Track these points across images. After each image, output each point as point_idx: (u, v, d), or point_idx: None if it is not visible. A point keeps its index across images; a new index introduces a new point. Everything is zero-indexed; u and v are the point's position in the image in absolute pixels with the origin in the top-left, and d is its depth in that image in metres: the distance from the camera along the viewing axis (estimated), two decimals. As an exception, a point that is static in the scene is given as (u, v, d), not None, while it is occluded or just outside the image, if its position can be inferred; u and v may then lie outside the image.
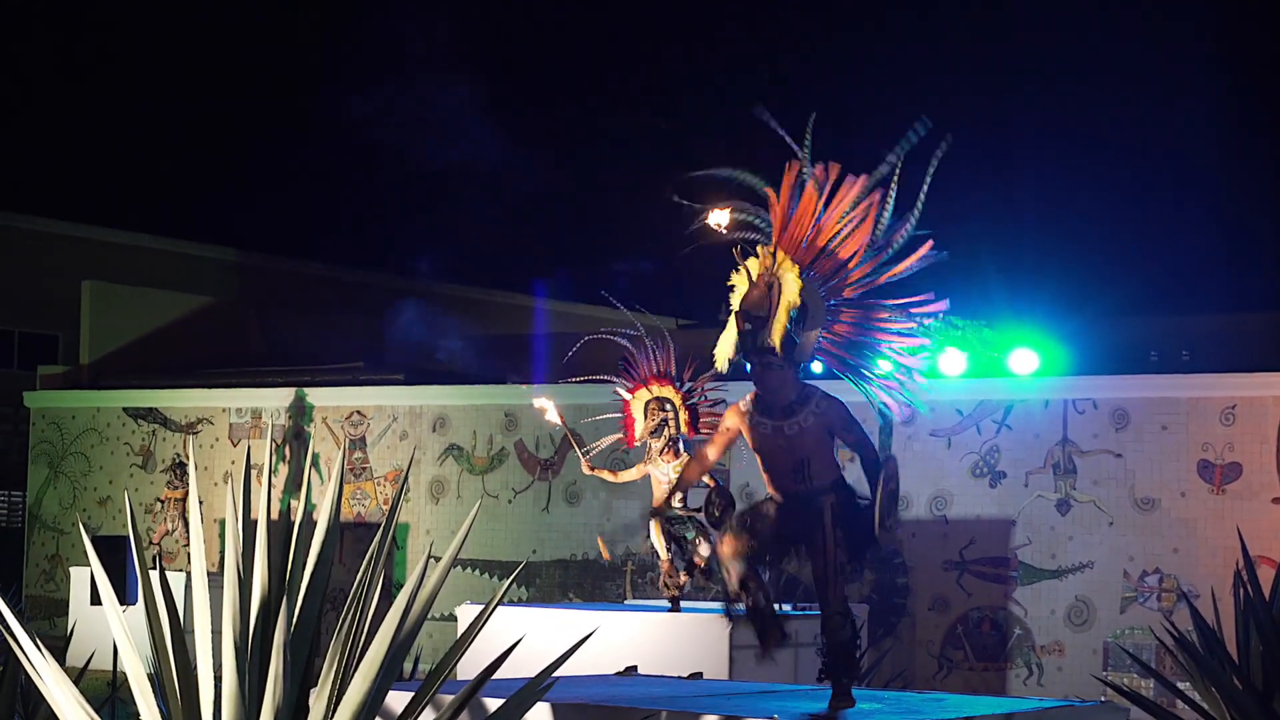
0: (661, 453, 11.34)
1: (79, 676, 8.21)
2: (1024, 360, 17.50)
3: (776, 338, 7.00)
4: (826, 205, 7.16)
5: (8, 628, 6.05)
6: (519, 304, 35.09)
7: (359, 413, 21.09)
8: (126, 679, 5.88)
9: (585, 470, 12.23)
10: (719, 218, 7.31)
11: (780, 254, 7.08)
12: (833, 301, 7.19)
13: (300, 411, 21.44)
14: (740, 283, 7.18)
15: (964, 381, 17.63)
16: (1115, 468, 16.84)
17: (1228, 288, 27.19)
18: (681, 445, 11.43)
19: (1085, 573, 16.89)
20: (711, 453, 7.74)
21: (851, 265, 7.18)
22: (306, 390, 21.57)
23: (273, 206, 37.68)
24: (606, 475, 12.31)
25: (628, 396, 11.62)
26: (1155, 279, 29.02)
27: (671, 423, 11.39)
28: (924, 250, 7.28)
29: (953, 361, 17.78)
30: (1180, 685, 12.19)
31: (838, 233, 7.16)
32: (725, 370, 7.37)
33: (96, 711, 5.95)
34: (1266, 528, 16.02)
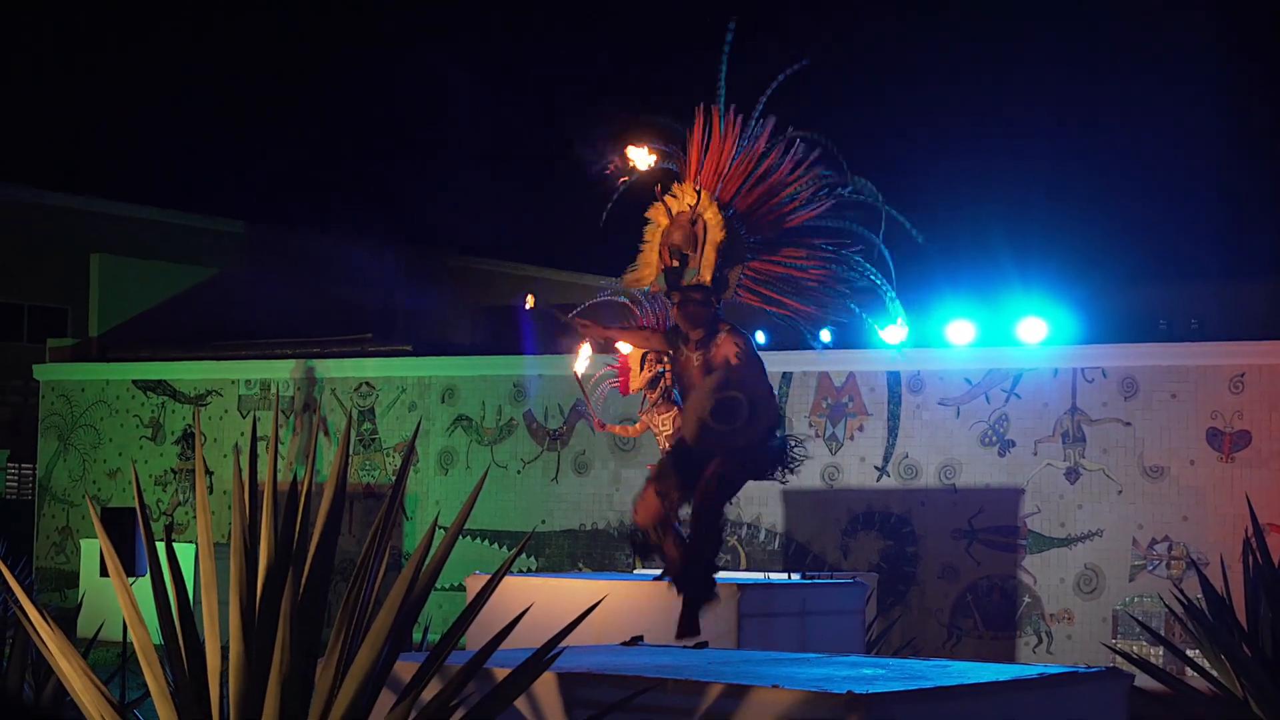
0: (656, 405, 11.38)
1: (88, 648, 8.24)
2: (1033, 329, 17.48)
3: (707, 274, 7.19)
4: (742, 147, 7.30)
5: (17, 600, 6.06)
6: (524, 274, 35.07)
7: (367, 384, 21.11)
8: (135, 650, 5.89)
9: (596, 428, 12.30)
10: (638, 154, 7.51)
11: (704, 194, 7.24)
12: (754, 239, 7.33)
13: (309, 383, 21.46)
14: (658, 217, 7.33)
15: (972, 350, 17.62)
16: (1124, 436, 16.83)
17: (1237, 255, 27.13)
18: (675, 396, 11.48)
19: (1094, 541, 16.89)
20: (638, 338, 8.82)
21: (771, 204, 7.32)
22: (315, 361, 21.59)
23: (280, 178, 37.67)
24: (618, 430, 12.44)
25: (626, 349, 11.65)
26: (1164, 247, 28.97)
27: (667, 375, 11.41)
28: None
29: (961, 330, 17.77)
30: (1190, 653, 12.20)
31: (753, 170, 7.30)
32: (635, 288, 7.59)
33: (106, 683, 5.96)
34: (1276, 495, 16.00)
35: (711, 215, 7.22)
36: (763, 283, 7.40)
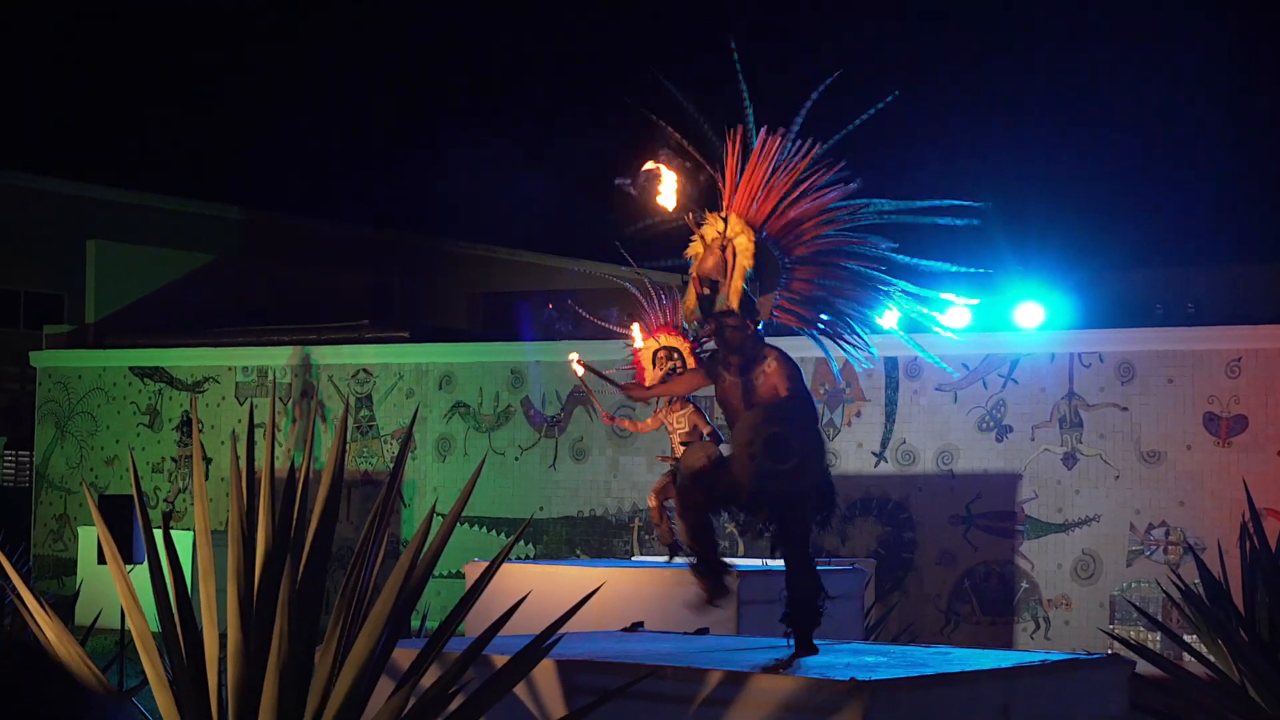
0: (670, 402, 11.36)
1: (86, 636, 8.23)
2: (1030, 314, 17.47)
3: (734, 300, 7.11)
4: (776, 167, 7.23)
5: (14, 588, 6.05)
6: (525, 261, 35.06)
7: (365, 370, 21.09)
8: (133, 638, 5.88)
9: (605, 421, 12.29)
10: (668, 190, 7.41)
11: (733, 218, 7.17)
12: (788, 260, 7.27)
13: (306, 369, 21.45)
14: (696, 248, 7.29)
15: (970, 335, 17.61)
16: (1121, 421, 16.83)
17: (1233, 240, 27.15)
18: (690, 397, 11.45)
19: (1092, 526, 16.89)
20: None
21: (806, 225, 7.25)
22: (312, 348, 21.58)
23: (277, 163, 37.64)
24: (626, 425, 12.42)
25: (640, 344, 11.63)
26: (1160, 232, 28.98)
27: (680, 371, 11.38)
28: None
29: (958, 316, 17.76)
30: (1187, 638, 12.20)
31: (788, 193, 7.23)
32: (693, 328, 7.62)
33: (104, 670, 5.96)
34: (1273, 480, 16.01)
35: (741, 242, 7.15)
36: (800, 303, 7.34)
